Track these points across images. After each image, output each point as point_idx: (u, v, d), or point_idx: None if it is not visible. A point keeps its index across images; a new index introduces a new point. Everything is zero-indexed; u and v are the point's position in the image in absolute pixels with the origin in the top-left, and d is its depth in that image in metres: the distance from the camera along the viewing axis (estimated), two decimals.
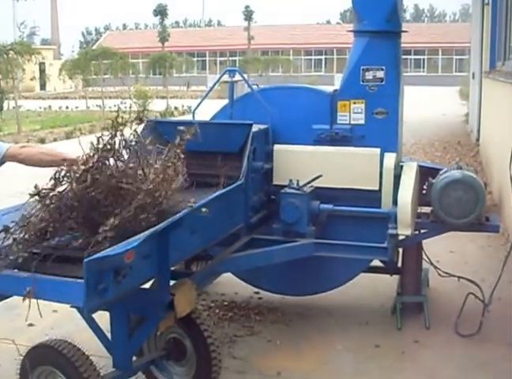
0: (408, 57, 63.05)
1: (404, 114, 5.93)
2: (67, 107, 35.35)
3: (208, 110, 5.98)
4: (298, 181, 5.36)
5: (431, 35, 64.01)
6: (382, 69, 5.49)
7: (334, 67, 63.39)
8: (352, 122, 5.58)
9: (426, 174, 5.69)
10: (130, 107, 31.54)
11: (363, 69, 5.51)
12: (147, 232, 3.55)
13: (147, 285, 3.95)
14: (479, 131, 16.33)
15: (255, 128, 5.26)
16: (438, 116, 25.45)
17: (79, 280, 3.16)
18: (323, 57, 70.67)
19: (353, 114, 5.58)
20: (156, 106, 32.43)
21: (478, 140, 16.30)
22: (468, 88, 23.60)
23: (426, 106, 28.89)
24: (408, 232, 5.22)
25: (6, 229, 3.59)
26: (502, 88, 10.25)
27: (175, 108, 31.96)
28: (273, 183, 5.68)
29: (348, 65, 5.65)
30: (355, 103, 5.57)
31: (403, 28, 5.72)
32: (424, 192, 5.64)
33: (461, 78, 39.66)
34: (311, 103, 5.72)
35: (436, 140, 17.82)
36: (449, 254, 7.56)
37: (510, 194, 6.01)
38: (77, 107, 34.58)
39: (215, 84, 6.10)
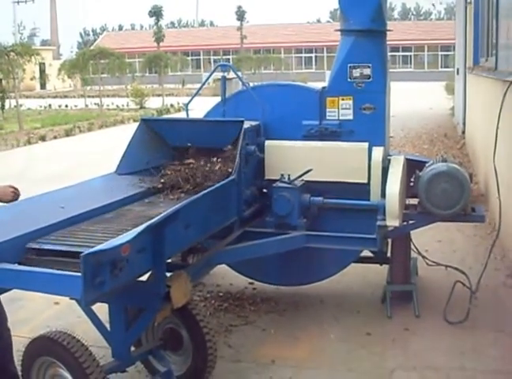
0: (396, 53, 63.33)
1: (392, 108, 6.08)
2: (66, 106, 35.47)
3: (203, 108, 6.11)
4: (289, 175, 5.51)
5: (418, 33, 64.30)
6: (369, 67, 5.63)
7: (325, 64, 63.47)
8: (341, 118, 5.73)
9: (413, 166, 5.84)
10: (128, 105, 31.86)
11: (350, 67, 5.66)
12: (142, 226, 3.67)
13: (144, 277, 4.04)
14: (464, 124, 16.53)
15: (247, 124, 5.40)
16: (425, 110, 25.59)
17: (77, 274, 3.26)
18: (313, 55, 70.81)
19: (341, 109, 5.72)
20: (153, 103, 32.59)
21: (464, 132, 16.49)
22: (453, 83, 23.76)
23: (413, 101, 29.04)
24: (397, 223, 5.37)
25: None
26: (485, 83, 10.42)
27: (171, 105, 32.15)
28: (265, 177, 5.82)
29: (336, 62, 5.80)
30: (343, 99, 5.71)
31: (389, 27, 5.86)
32: (412, 184, 5.78)
33: (446, 74, 39.85)
34: (301, 100, 5.87)
35: (424, 133, 17.98)
36: (437, 244, 7.70)
37: (495, 184, 6.16)
38: (76, 106, 34.68)
39: (208, 77, 6.23)
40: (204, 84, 6.13)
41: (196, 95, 6.02)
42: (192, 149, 5.61)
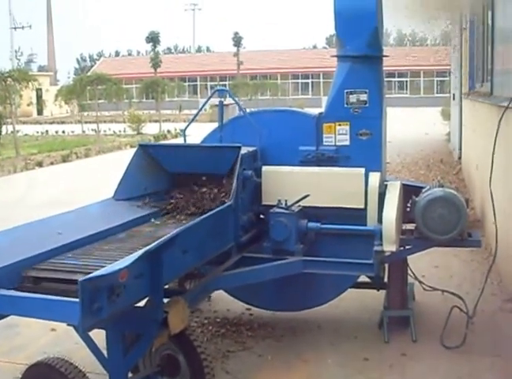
0: (392, 79, 63.64)
1: (389, 134, 6.11)
2: (63, 132, 35.54)
3: (200, 133, 6.14)
4: (286, 200, 5.53)
5: (413, 59, 64.73)
6: (365, 92, 5.68)
7: (321, 90, 63.75)
8: (338, 143, 5.76)
9: (409, 192, 5.86)
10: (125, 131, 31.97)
11: (346, 93, 5.70)
12: (140, 251, 3.69)
13: (141, 303, 4.03)
14: (460, 149, 16.59)
15: (244, 150, 5.43)
16: (421, 135, 25.68)
17: (74, 300, 3.26)
18: (310, 80, 71.16)
19: (338, 135, 5.76)
20: (150, 129, 32.67)
21: (460, 158, 16.55)
22: (449, 108, 23.88)
23: (410, 126, 29.14)
24: (393, 248, 5.38)
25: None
26: (480, 109, 10.48)
27: (168, 131, 32.26)
28: (262, 203, 5.84)
29: (333, 88, 5.84)
30: (340, 124, 5.75)
31: (385, 52, 5.92)
32: (408, 209, 5.81)
33: (442, 99, 40.02)
34: (298, 126, 5.90)
35: (420, 159, 18.03)
36: (433, 269, 7.70)
37: (491, 210, 6.18)
38: (73, 131, 34.77)
39: (205, 102, 6.31)
40: (201, 109, 6.17)
41: (193, 121, 6.06)
42: (190, 175, 5.64)
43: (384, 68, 5.96)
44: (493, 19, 8.80)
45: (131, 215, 5.16)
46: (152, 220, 5.17)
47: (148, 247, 3.75)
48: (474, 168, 11.55)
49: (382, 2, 5.90)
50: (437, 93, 60.92)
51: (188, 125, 6.10)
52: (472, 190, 11.50)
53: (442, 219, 5.54)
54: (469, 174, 12.94)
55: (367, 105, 5.67)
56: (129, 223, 4.99)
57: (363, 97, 5.67)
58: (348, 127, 5.72)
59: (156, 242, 3.82)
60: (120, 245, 4.44)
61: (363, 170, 5.62)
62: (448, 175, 14.50)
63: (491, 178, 6.15)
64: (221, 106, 6.00)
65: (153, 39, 61.30)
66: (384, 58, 5.89)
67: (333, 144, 5.77)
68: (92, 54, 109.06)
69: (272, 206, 5.60)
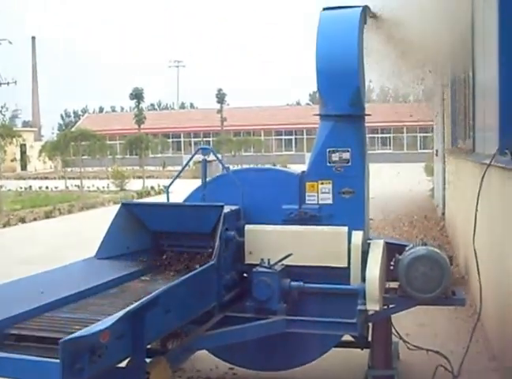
0: (376, 135, 64.31)
1: (372, 190, 6.14)
2: (47, 187, 35.49)
3: (183, 190, 6.15)
4: (269, 259, 5.52)
5: (397, 115, 65.41)
6: (348, 151, 5.72)
7: (304, 146, 64.28)
8: (320, 202, 5.78)
9: (392, 250, 5.86)
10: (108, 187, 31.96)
11: (329, 151, 5.75)
12: (121, 312, 3.66)
13: (123, 363, 3.97)
14: (444, 205, 16.67)
15: (227, 208, 5.44)
16: (405, 191, 25.82)
17: (55, 360, 3.22)
18: (293, 137, 71.79)
19: (321, 193, 5.78)
20: (133, 185, 32.67)
21: (444, 214, 16.62)
22: (432, 164, 24.07)
23: (393, 182, 29.32)
24: (377, 307, 5.36)
25: None
26: (463, 165, 10.57)
27: (152, 188, 32.26)
28: (245, 262, 5.82)
29: (315, 147, 5.88)
30: (322, 183, 5.78)
31: (368, 109, 5.97)
32: (392, 268, 5.80)
33: (425, 155, 40.33)
34: (281, 184, 5.93)
35: (403, 215, 18.07)
36: (418, 327, 7.64)
37: (475, 267, 6.18)
38: (56, 187, 34.71)
39: (188, 161, 6.32)
40: (184, 167, 6.20)
41: (176, 178, 6.07)
42: (173, 234, 5.64)
43: (367, 124, 6.02)
44: (474, 77, 8.94)
45: (115, 273, 5.14)
46: (143, 278, 5.16)
47: (129, 307, 3.72)
48: (458, 224, 11.60)
49: (363, 61, 5.99)
50: (420, 149, 61.53)
51: (171, 183, 6.11)
52: (457, 246, 11.52)
53: (426, 277, 5.54)
54: (453, 230, 12.98)
55: (350, 163, 5.71)
56: (116, 280, 4.97)
57: (346, 156, 5.71)
58: (330, 186, 5.74)
59: (138, 302, 3.79)
60: (113, 300, 4.43)
61: (346, 228, 5.63)
62: (432, 231, 14.55)
63: (474, 235, 6.16)
64: (204, 164, 6.01)
65: (137, 95, 61.82)
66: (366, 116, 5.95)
67: (316, 202, 5.78)
68: (76, 110, 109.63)
69: (256, 265, 5.58)
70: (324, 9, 6.10)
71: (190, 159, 6.32)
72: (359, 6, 6.02)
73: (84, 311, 4.26)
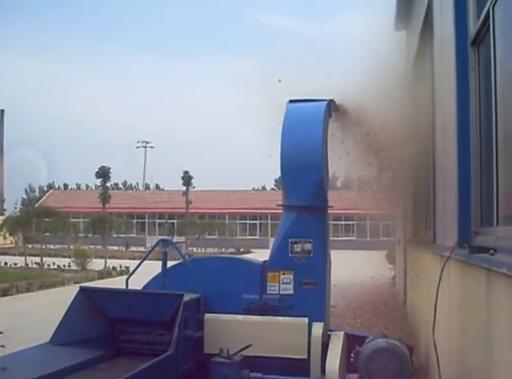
0: (339, 222, 64.65)
1: (334, 277, 6.14)
2: (6, 263, 34.68)
3: (145, 271, 6.08)
4: (228, 350, 5.44)
5: (361, 202, 65.85)
6: (310, 242, 5.75)
7: (269, 231, 64.25)
8: (281, 292, 5.77)
9: (353, 341, 5.84)
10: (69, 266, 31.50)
11: (291, 242, 5.77)
12: None
13: None
14: (405, 293, 16.68)
15: (187, 297, 5.39)
16: (367, 279, 25.72)
17: None
18: (258, 221, 71.90)
19: (282, 284, 5.77)
20: (95, 265, 32.20)
21: (405, 302, 16.62)
22: (394, 252, 24.18)
23: (355, 269, 29.30)
24: None
25: None
26: (424, 256, 10.63)
27: (113, 268, 31.72)
28: (204, 351, 5.73)
29: (278, 237, 5.91)
30: (284, 273, 5.78)
31: (332, 196, 6.05)
32: (352, 359, 5.76)
33: (388, 242, 40.57)
34: (242, 274, 5.92)
35: (365, 303, 17.97)
36: None
37: (435, 360, 6.15)
38: (15, 264, 33.92)
39: (148, 253, 6.28)
40: (144, 259, 6.09)
41: (136, 270, 6.00)
42: (131, 321, 5.56)
43: (330, 211, 6.06)
44: (434, 169, 9.09)
45: (69, 360, 5.01)
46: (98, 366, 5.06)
47: None
48: (419, 313, 11.59)
49: (327, 153, 6.07)
50: (382, 236, 61.88)
51: (130, 275, 6.04)
52: (417, 335, 11.46)
53: (386, 370, 5.52)
54: (414, 319, 12.95)
55: (312, 255, 5.73)
56: (70, 368, 4.84)
57: (308, 247, 5.74)
58: (292, 276, 5.74)
59: None
60: None
61: (306, 320, 5.60)
62: (393, 320, 14.49)
63: (434, 327, 6.16)
64: (165, 256, 5.97)
65: (103, 174, 61.77)
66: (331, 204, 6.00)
67: (277, 292, 5.77)
68: (42, 185, 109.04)
69: (214, 355, 5.50)
70: (290, 101, 6.22)
71: (150, 251, 6.32)
72: (324, 99, 6.15)
73: None
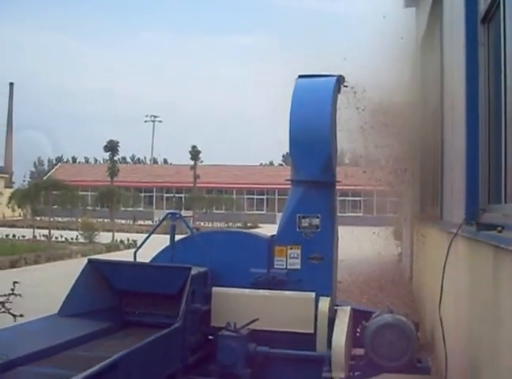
0: (346, 198, 64.57)
1: (341, 252, 6.14)
2: (14, 236, 34.84)
3: (152, 245, 6.09)
4: (235, 323, 5.47)
5: (368, 178, 65.69)
6: (318, 217, 5.75)
7: (276, 206, 64.35)
8: (289, 267, 5.78)
9: (359, 317, 5.86)
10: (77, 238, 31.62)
11: (299, 217, 5.77)
12: (81, 375, 3.57)
13: None
14: (411, 270, 16.71)
15: (194, 270, 5.40)
16: (373, 255, 25.74)
17: None
18: (265, 197, 71.91)
19: (290, 259, 5.78)
20: (103, 238, 32.28)
21: (411, 278, 16.65)
22: (401, 228, 24.16)
23: (362, 246, 29.32)
24: (342, 375, 5.32)
25: None
26: (431, 232, 10.63)
27: (121, 241, 31.84)
28: (211, 325, 5.76)
29: (285, 212, 5.91)
30: (291, 248, 5.79)
31: (339, 172, 6.06)
32: (358, 334, 5.78)
33: (395, 219, 40.52)
34: (250, 248, 5.93)
35: (372, 279, 18.03)
36: None
37: (441, 336, 6.18)
38: (23, 236, 34.01)
39: (157, 226, 6.28)
40: (152, 232, 6.09)
41: (144, 243, 6.01)
42: (139, 293, 5.58)
43: (338, 187, 6.07)
44: (442, 146, 9.06)
45: (78, 331, 5.03)
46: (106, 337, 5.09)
47: (87, 372, 3.63)
48: (425, 290, 11.62)
49: (336, 129, 6.06)
50: (389, 213, 61.78)
51: (139, 248, 6.06)
52: (423, 312, 11.49)
53: (392, 345, 5.53)
54: (420, 295, 12.99)
55: (319, 230, 5.73)
56: (79, 339, 4.87)
57: (316, 222, 5.74)
58: (299, 251, 5.75)
59: (97, 366, 3.71)
60: (72, 362, 4.32)
61: (313, 294, 5.62)
62: (399, 296, 14.52)
63: (440, 303, 6.18)
64: (173, 229, 5.98)
65: (112, 148, 61.78)
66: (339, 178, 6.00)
67: (285, 267, 5.78)
68: (51, 159, 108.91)
69: (221, 328, 5.53)
70: (299, 76, 6.20)
71: (159, 224, 6.31)
72: (334, 75, 6.13)
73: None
